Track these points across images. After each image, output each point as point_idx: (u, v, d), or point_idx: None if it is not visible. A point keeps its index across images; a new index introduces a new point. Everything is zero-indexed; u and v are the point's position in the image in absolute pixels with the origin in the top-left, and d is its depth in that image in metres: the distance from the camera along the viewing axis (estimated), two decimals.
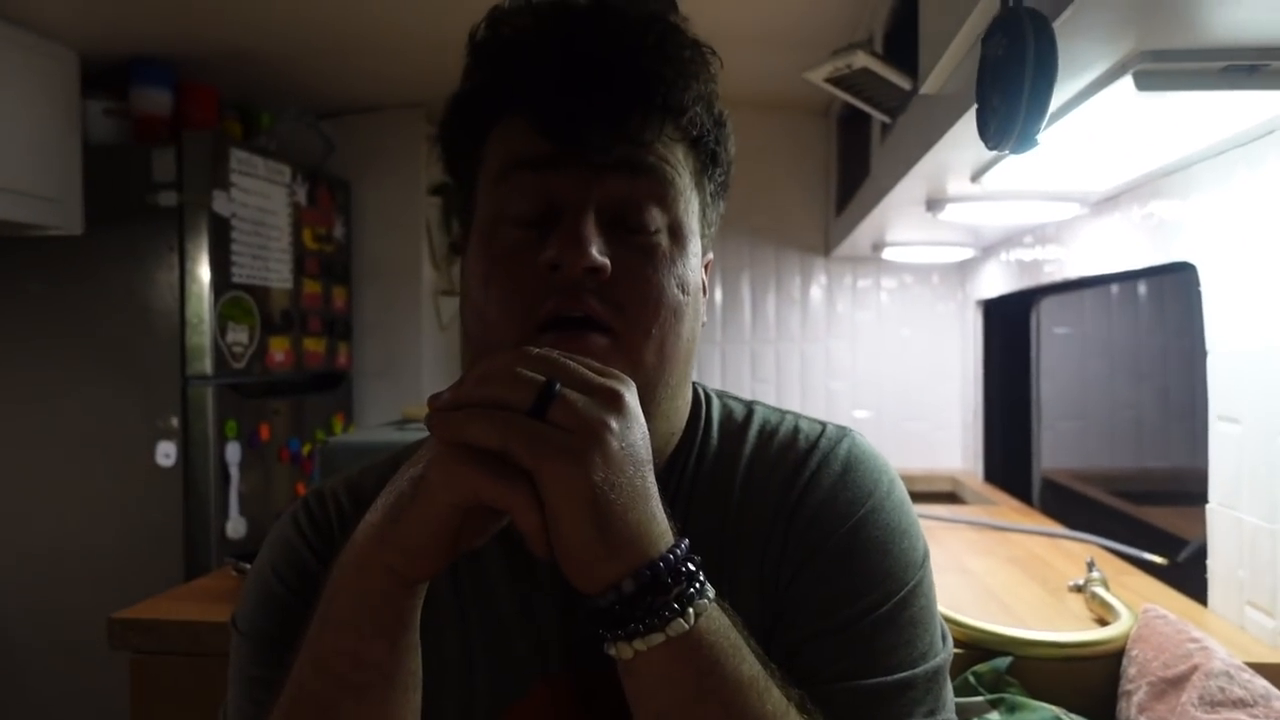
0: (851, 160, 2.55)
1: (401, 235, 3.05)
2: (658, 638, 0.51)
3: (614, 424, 0.51)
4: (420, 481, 0.51)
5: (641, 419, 0.53)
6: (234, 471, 2.31)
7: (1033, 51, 0.68)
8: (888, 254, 2.46)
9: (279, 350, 2.56)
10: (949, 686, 0.65)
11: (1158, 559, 1.60)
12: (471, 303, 0.65)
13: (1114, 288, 2.77)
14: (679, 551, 0.52)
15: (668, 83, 0.62)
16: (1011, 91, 0.70)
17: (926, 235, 2.27)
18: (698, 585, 0.52)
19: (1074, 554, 1.66)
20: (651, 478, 0.53)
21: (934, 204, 1.66)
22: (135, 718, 1.24)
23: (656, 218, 0.63)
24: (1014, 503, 2.31)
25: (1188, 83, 0.84)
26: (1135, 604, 1.21)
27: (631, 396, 0.53)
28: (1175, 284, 2.66)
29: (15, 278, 2.33)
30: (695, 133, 0.65)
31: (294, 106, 2.86)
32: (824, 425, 0.72)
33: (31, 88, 2.18)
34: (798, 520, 0.66)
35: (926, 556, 0.67)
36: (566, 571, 0.52)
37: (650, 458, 0.53)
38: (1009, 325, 2.63)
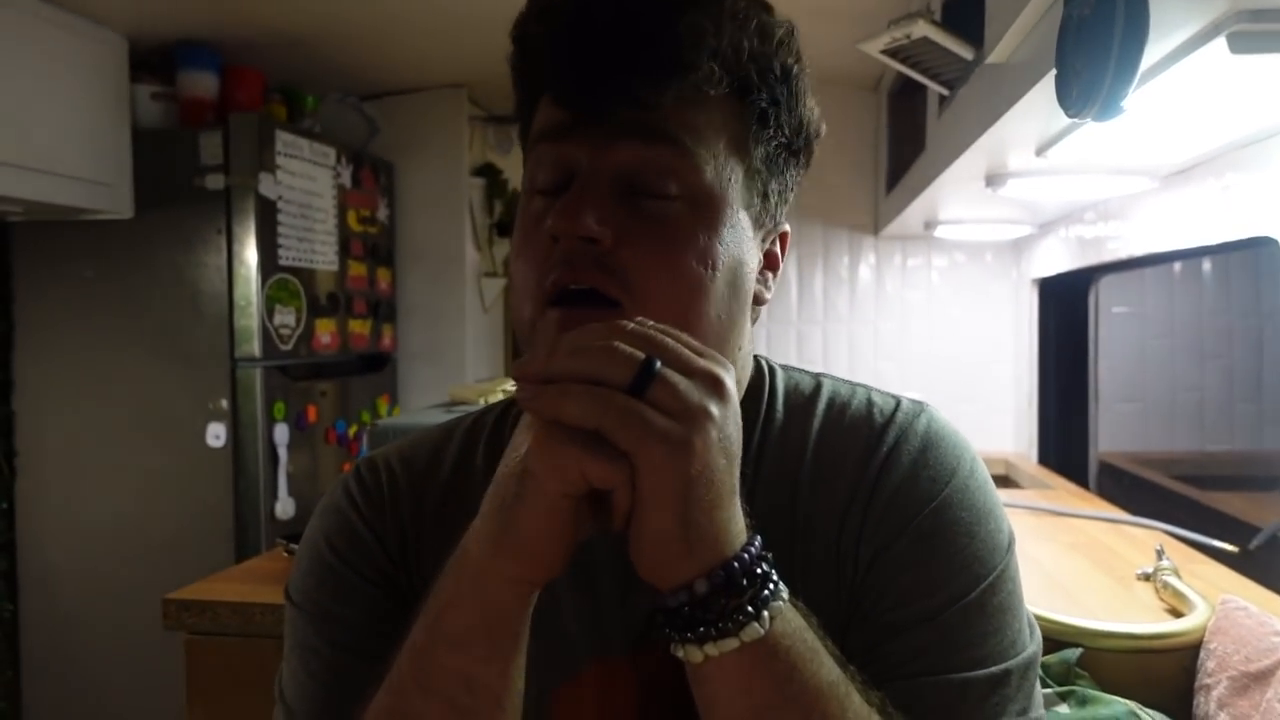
0: (903, 136, 2.48)
1: (445, 217, 3.05)
2: (731, 643, 0.48)
3: (715, 411, 0.47)
4: (525, 477, 0.47)
5: (738, 407, 0.50)
6: (282, 453, 2.33)
7: (1123, 11, 0.63)
8: (940, 232, 2.40)
9: (325, 332, 2.57)
10: (1038, 683, 0.62)
11: (1228, 546, 1.53)
12: (510, 276, 0.65)
13: (1176, 265, 2.68)
14: (753, 550, 0.49)
15: (681, 40, 0.57)
16: (1097, 55, 0.66)
17: (982, 212, 2.20)
18: (772, 586, 0.49)
19: (1139, 541, 1.60)
20: (737, 472, 0.49)
21: (994, 179, 1.60)
22: (191, 697, 1.26)
23: (672, 186, 0.58)
24: (1071, 486, 2.25)
25: None
26: (1208, 593, 1.16)
27: (731, 381, 0.49)
28: (1242, 261, 2.56)
29: (67, 261, 2.37)
30: (726, 90, 0.59)
31: (337, 89, 2.86)
32: (898, 399, 0.68)
33: (82, 73, 2.20)
34: (876, 500, 0.62)
35: (1012, 540, 0.63)
36: (638, 563, 0.49)
37: (740, 450, 0.50)
38: (1066, 304, 2.55)
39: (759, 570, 0.49)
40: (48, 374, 2.39)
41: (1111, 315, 2.59)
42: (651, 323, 0.49)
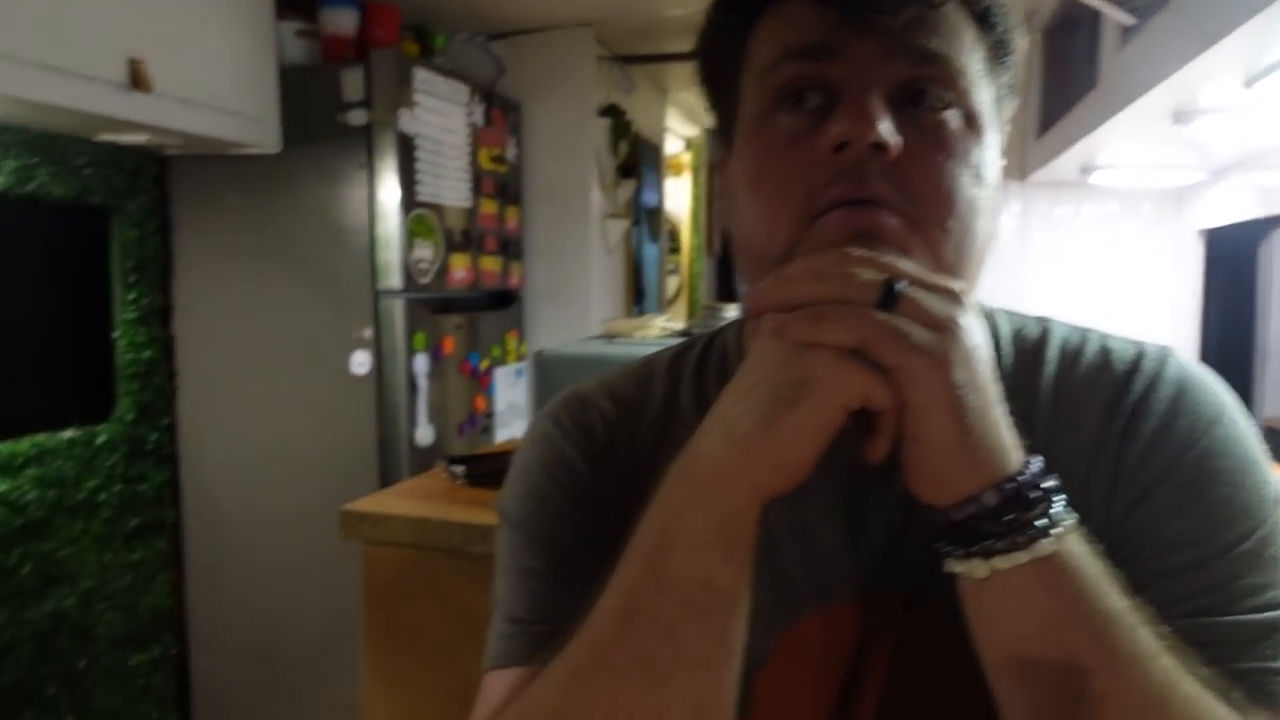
0: (1059, 74, 2.35)
1: (570, 157, 3.05)
2: (1021, 556, 0.48)
3: (962, 320, 0.49)
4: (808, 385, 0.48)
5: (981, 319, 0.51)
6: (422, 382, 2.41)
7: None
8: (1096, 178, 2.27)
9: (459, 268, 2.62)
10: None
11: None
12: (740, 210, 0.61)
13: None
14: (1037, 466, 0.50)
15: None
16: None
17: (1150, 156, 2.07)
18: (1060, 503, 0.49)
19: None
20: (992, 379, 0.50)
21: (1183, 115, 1.49)
22: (367, 604, 1.32)
23: (950, 99, 0.57)
24: None
25: None
26: None
27: (969, 294, 0.50)
28: None
29: (220, 194, 2.46)
30: (980, 8, 0.59)
31: (467, 28, 2.87)
32: (1140, 345, 0.64)
33: (230, 10, 2.25)
34: (1129, 448, 0.59)
35: None
36: (917, 483, 0.50)
37: (991, 358, 0.51)
38: (1231, 258, 2.40)
39: (1044, 485, 0.49)
40: (204, 301, 2.50)
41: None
42: (875, 254, 0.50)
